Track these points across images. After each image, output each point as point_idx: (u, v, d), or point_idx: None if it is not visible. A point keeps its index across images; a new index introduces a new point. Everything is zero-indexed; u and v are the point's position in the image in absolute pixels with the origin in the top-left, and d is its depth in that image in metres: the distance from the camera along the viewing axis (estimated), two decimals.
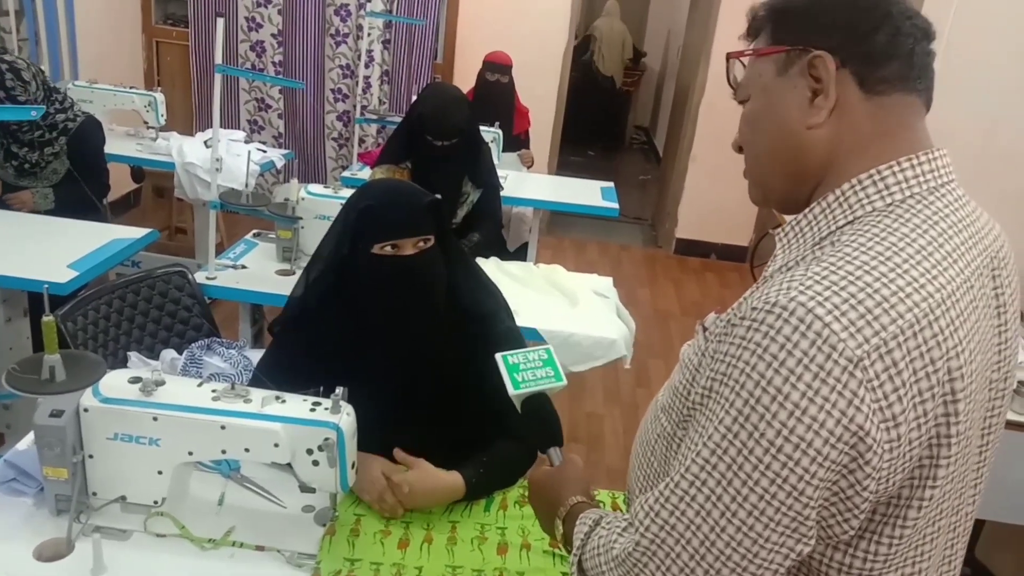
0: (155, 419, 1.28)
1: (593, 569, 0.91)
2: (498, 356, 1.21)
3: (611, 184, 3.97)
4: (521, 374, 1.19)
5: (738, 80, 0.94)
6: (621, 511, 1.49)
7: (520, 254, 3.69)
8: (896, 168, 0.82)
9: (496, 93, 3.93)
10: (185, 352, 2.06)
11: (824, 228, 0.84)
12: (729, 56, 0.94)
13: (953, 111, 3.30)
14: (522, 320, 2.24)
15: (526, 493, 1.52)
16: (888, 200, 0.82)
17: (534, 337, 2.22)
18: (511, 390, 1.18)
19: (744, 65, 0.93)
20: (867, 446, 0.72)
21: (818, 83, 0.84)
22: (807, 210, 0.87)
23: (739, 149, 0.95)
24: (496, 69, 3.96)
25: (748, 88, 0.92)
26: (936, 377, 0.75)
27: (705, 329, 0.94)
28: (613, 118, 8.85)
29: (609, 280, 2.66)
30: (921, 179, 0.82)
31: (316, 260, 1.63)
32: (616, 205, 3.67)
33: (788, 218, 0.91)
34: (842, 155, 0.85)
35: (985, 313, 0.82)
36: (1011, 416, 2.16)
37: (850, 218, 0.82)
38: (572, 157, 7.22)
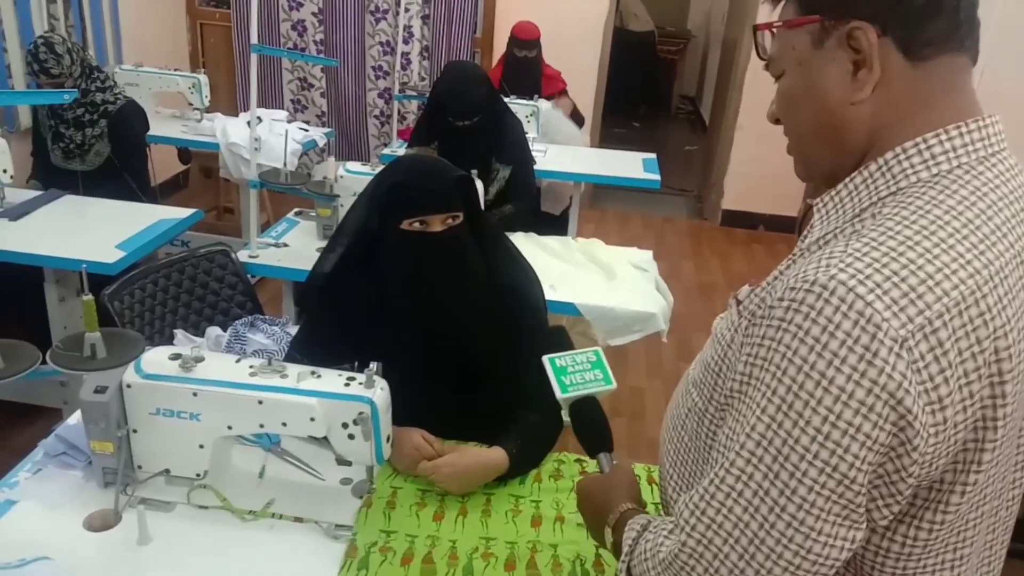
0: (195, 394, 1.31)
1: (642, 575, 0.88)
2: (545, 359, 1.19)
3: (653, 155, 3.92)
4: (569, 377, 1.16)
5: (768, 52, 0.89)
6: (657, 484, 1.49)
7: (562, 220, 3.67)
8: (944, 136, 0.78)
9: (526, 68, 3.90)
10: (229, 329, 2.10)
11: (865, 199, 0.80)
12: (757, 28, 0.89)
13: (1013, 70, 3.17)
14: (560, 294, 2.25)
15: (560, 466, 1.54)
16: (934, 170, 0.78)
17: (572, 312, 2.22)
18: (558, 394, 1.15)
19: (774, 35, 0.88)
20: (914, 430, 0.70)
21: (859, 55, 0.79)
22: (848, 179, 0.83)
23: (776, 121, 0.92)
24: (524, 46, 3.94)
25: (782, 62, 0.87)
26: (983, 357, 0.72)
27: (739, 303, 0.92)
28: (656, 83, 8.68)
29: (649, 253, 2.63)
30: (970, 147, 0.78)
31: (341, 234, 1.64)
32: (658, 177, 3.62)
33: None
34: (888, 126, 0.80)
35: None
36: None
37: (893, 189, 0.78)
38: (616, 129, 7.14)
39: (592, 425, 1.16)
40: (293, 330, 2.19)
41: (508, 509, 1.42)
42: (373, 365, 1.33)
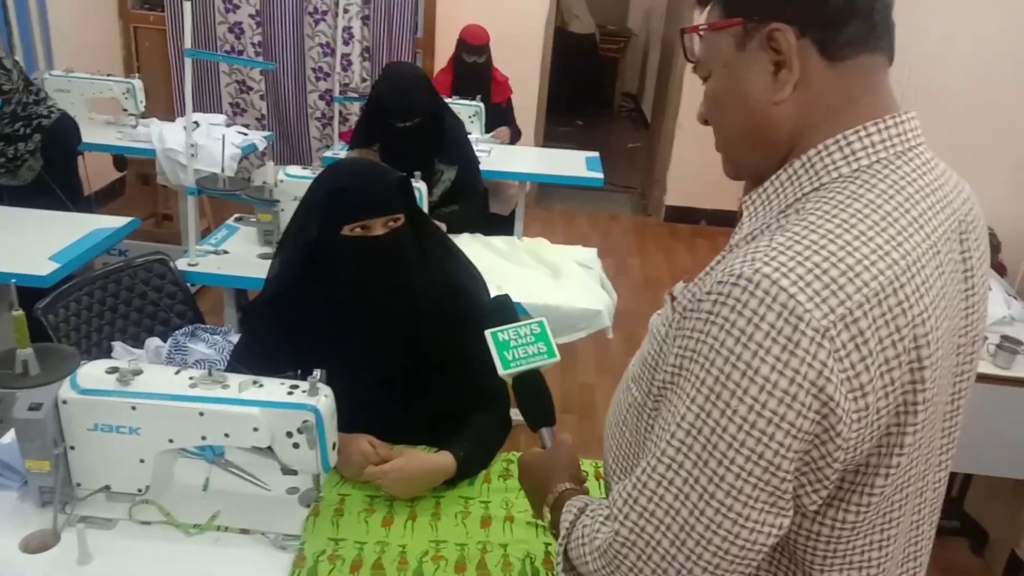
0: (134, 408, 1.28)
1: (578, 559, 0.90)
2: (487, 333, 1.17)
3: (596, 154, 3.95)
4: (511, 351, 1.15)
5: (696, 55, 0.91)
6: (604, 479, 1.51)
7: (511, 220, 3.69)
8: (863, 133, 0.81)
9: (475, 73, 3.89)
10: (169, 340, 2.06)
11: (790, 195, 0.83)
12: (683, 31, 0.91)
13: (946, 68, 3.28)
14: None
15: (509, 466, 1.55)
16: (854, 166, 0.80)
17: (518, 311, 2.22)
18: (500, 369, 1.14)
19: (701, 38, 0.90)
20: (837, 417, 0.72)
21: (779, 56, 0.81)
22: (774, 177, 0.85)
23: (704, 121, 0.94)
24: (474, 51, 3.91)
25: (708, 64, 0.89)
26: (902, 345, 0.74)
27: (673, 298, 0.94)
28: (598, 82, 8.76)
29: (593, 251, 2.66)
30: (888, 143, 0.81)
31: (284, 242, 1.63)
32: (601, 175, 3.66)
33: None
34: (810, 124, 0.83)
35: (952, 278, 0.82)
36: (993, 371, 2.17)
37: (816, 185, 0.81)
38: (560, 127, 7.17)
39: (535, 399, 1.16)
40: (235, 339, 2.15)
41: (458, 511, 1.42)
42: (316, 372, 1.32)
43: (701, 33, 0.90)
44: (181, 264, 2.30)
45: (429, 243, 1.63)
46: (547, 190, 5.61)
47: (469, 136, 3.10)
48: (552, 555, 1.32)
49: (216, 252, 2.45)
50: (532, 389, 1.16)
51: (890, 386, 0.75)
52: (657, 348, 0.91)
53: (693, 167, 5.42)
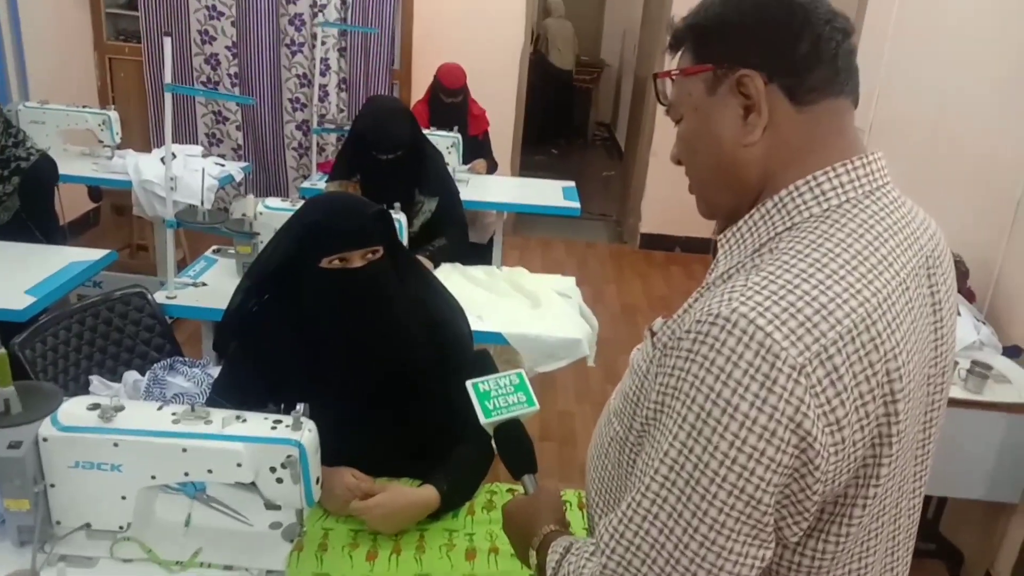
0: (116, 445, 1.28)
1: None
2: (468, 384, 1.21)
3: (572, 184, 4.00)
4: (492, 401, 1.19)
5: (668, 99, 0.95)
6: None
7: (489, 249, 3.71)
8: (832, 174, 0.84)
9: (454, 113, 3.92)
10: (148, 373, 2.05)
11: (763, 234, 0.85)
12: (656, 76, 0.95)
13: (902, 101, 3.38)
14: (487, 324, 2.27)
15: (492, 497, 1.55)
16: (825, 206, 0.83)
17: (499, 341, 2.24)
18: (482, 419, 1.18)
19: (673, 82, 0.93)
20: (815, 451, 0.74)
21: (749, 100, 0.85)
22: (747, 216, 0.88)
23: (678, 162, 0.97)
24: (451, 94, 3.94)
25: (680, 107, 0.92)
26: (876, 380, 0.77)
27: (653, 334, 0.96)
28: (572, 112, 8.89)
29: (572, 280, 2.69)
30: (856, 183, 0.84)
31: (255, 273, 1.63)
32: (577, 204, 3.70)
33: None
34: (780, 166, 0.86)
35: (921, 312, 0.84)
36: (964, 395, 2.22)
37: (788, 224, 0.84)
38: (536, 156, 7.24)
39: (516, 447, 1.18)
40: (214, 371, 2.14)
41: (442, 544, 1.42)
42: (300, 406, 1.32)
43: (673, 78, 0.93)
44: (159, 297, 2.29)
45: (409, 275, 1.65)
46: (524, 219, 5.65)
47: (448, 167, 3.13)
48: None
49: (195, 284, 2.45)
50: (513, 438, 1.19)
51: (865, 419, 0.77)
52: (638, 384, 0.93)
53: (667, 195, 5.50)
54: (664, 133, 5.38)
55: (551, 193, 3.88)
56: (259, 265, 1.63)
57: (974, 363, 2.27)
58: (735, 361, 0.74)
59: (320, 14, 4.83)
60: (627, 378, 0.99)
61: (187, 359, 2.15)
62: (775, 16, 0.85)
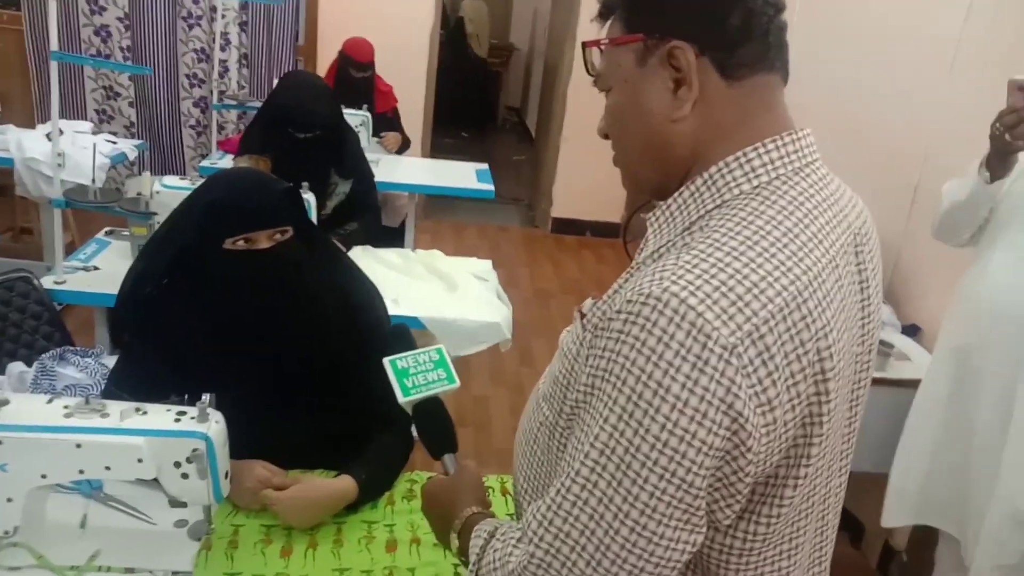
0: (0, 442, 1.17)
1: None
2: (385, 361, 1.15)
3: (485, 166, 3.96)
4: (411, 379, 1.13)
5: (597, 68, 0.91)
6: (511, 495, 1.49)
7: (400, 232, 3.63)
8: (762, 150, 0.82)
9: (361, 87, 3.82)
10: (35, 364, 1.91)
11: (694, 212, 0.83)
12: (585, 44, 0.91)
13: (809, 86, 3.47)
14: (403, 308, 2.21)
15: (412, 487, 1.51)
16: (755, 182, 0.82)
17: (415, 325, 2.19)
18: (400, 397, 1.12)
19: (602, 52, 0.90)
20: (747, 432, 0.73)
21: (679, 73, 0.82)
22: (676, 194, 0.86)
23: (605, 136, 0.94)
24: (360, 68, 3.83)
25: (609, 78, 0.89)
26: (807, 359, 0.75)
27: (583, 316, 0.93)
28: (485, 98, 8.85)
29: (488, 263, 2.65)
30: (786, 159, 0.83)
31: (151, 256, 1.52)
32: (491, 187, 3.66)
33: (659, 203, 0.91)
34: (709, 141, 0.84)
35: (850, 290, 0.84)
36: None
37: (719, 202, 0.82)
38: (446, 139, 7.17)
39: (436, 426, 1.14)
40: (109, 361, 2.02)
41: (361, 536, 1.37)
42: (205, 397, 1.24)
43: (602, 47, 0.90)
44: (46, 282, 2.13)
45: (322, 258, 1.57)
46: (436, 202, 5.58)
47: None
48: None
49: (85, 268, 2.29)
50: (432, 416, 1.14)
51: (796, 399, 0.76)
52: (568, 367, 0.90)
53: (578, 180, 5.54)
54: (575, 118, 5.41)
55: (464, 175, 3.83)
56: (154, 245, 1.52)
57: (883, 343, 2.36)
58: (666, 342, 0.72)
59: None
60: (557, 361, 0.96)
61: (79, 348, 2.01)
62: None
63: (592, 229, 5.71)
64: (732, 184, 0.82)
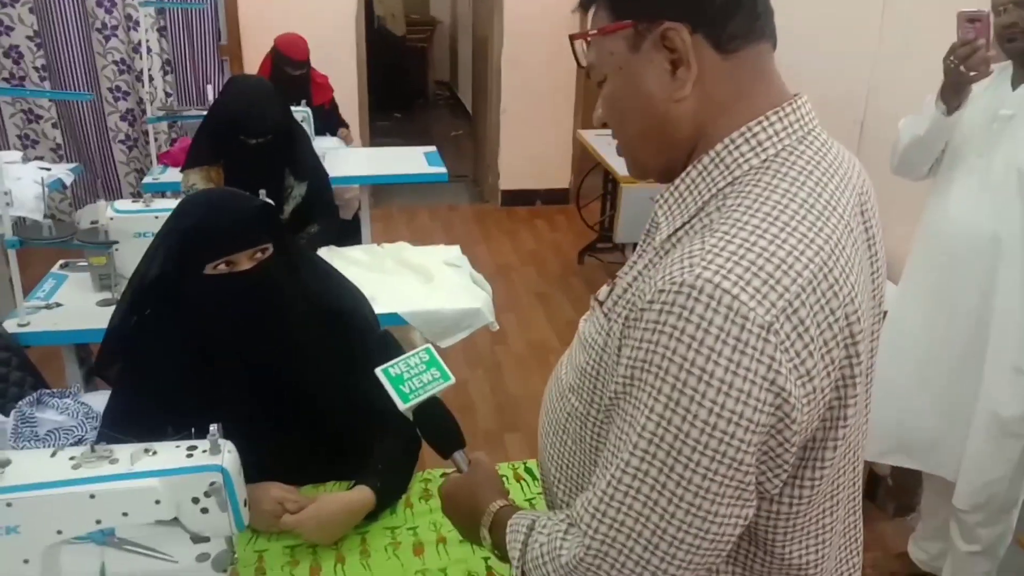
0: (9, 505, 1.12)
1: None
2: (378, 371, 1.14)
3: (433, 148, 3.92)
4: (407, 384, 1.13)
5: (587, 60, 0.90)
6: (525, 480, 1.50)
7: (355, 226, 3.59)
8: (765, 123, 0.83)
9: (297, 84, 3.74)
10: (13, 412, 1.84)
11: (705, 191, 0.84)
12: (572, 37, 0.91)
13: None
14: (380, 307, 2.17)
15: (427, 486, 1.51)
16: (763, 156, 0.82)
17: (397, 322, 2.17)
18: (400, 405, 1.12)
19: (589, 44, 0.89)
20: (791, 405, 0.74)
21: (675, 54, 0.82)
22: (684, 174, 0.86)
23: (603, 125, 0.94)
24: (296, 66, 3.76)
25: (602, 69, 0.88)
26: (838, 326, 0.77)
27: (600, 303, 0.94)
28: (408, 72, 8.71)
29: (457, 248, 2.64)
30: (789, 129, 0.84)
31: (135, 290, 1.49)
32: (444, 169, 3.64)
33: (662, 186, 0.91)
34: (711, 119, 0.84)
35: (861, 249, 0.86)
36: None
37: (729, 179, 0.82)
38: (380, 122, 7.06)
39: (440, 425, 1.15)
40: (88, 400, 1.96)
41: (387, 544, 1.36)
42: (213, 428, 1.21)
43: (589, 39, 0.89)
44: (10, 326, 2.05)
45: (303, 269, 1.55)
46: (381, 188, 5.50)
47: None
48: (495, 570, 1.30)
49: (48, 306, 2.21)
50: (434, 417, 1.15)
51: (831, 365, 0.78)
52: (596, 358, 0.90)
53: (522, 151, 5.52)
54: (512, 90, 5.39)
55: (413, 160, 3.79)
56: (137, 277, 1.48)
57: None
58: (705, 328, 0.73)
59: None
60: (579, 352, 0.97)
61: (55, 390, 1.95)
62: None
63: (542, 197, 5.71)
64: (740, 160, 0.83)
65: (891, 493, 2.67)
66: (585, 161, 4.96)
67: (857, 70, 2.83)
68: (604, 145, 4.09)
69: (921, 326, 2.02)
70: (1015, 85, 1.84)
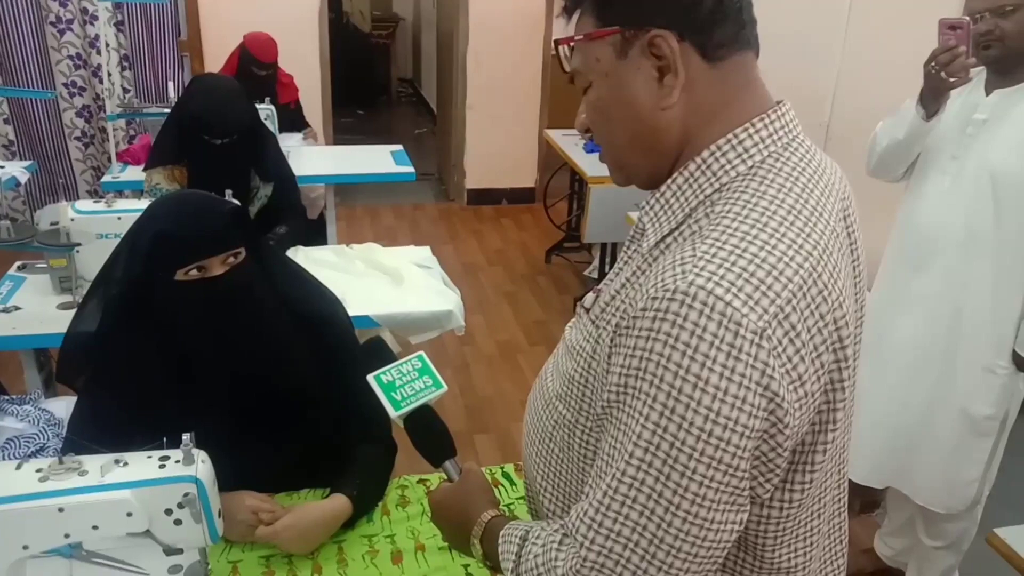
0: None
1: None
2: (370, 378, 1.12)
3: (400, 147, 3.89)
4: (399, 391, 1.11)
5: (572, 66, 0.90)
6: (503, 485, 1.49)
7: (321, 225, 3.55)
8: (751, 130, 0.83)
9: (264, 83, 3.67)
10: None
11: (692, 198, 0.84)
12: (558, 43, 0.90)
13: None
14: (352, 308, 2.14)
15: (404, 492, 1.49)
16: (749, 163, 0.83)
17: (368, 324, 2.14)
18: (392, 412, 1.10)
19: (573, 49, 0.89)
20: (784, 410, 0.75)
21: (662, 61, 0.82)
22: (670, 181, 0.86)
23: (586, 131, 0.93)
24: (264, 67, 3.70)
25: (588, 74, 0.88)
26: (827, 331, 0.78)
27: (587, 310, 0.93)
28: (375, 73, 8.66)
29: (427, 250, 2.62)
30: (775, 136, 0.84)
31: (101, 293, 1.45)
32: (411, 168, 3.61)
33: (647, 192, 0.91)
34: (697, 125, 0.84)
35: (845, 254, 0.86)
36: None
37: (716, 186, 0.83)
38: (343, 119, 6.98)
39: (431, 434, 1.12)
40: (48, 406, 1.91)
41: (364, 552, 1.34)
42: (186, 437, 1.18)
43: (572, 44, 0.89)
44: None
45: (277, 273, 1.51)
46: (345, 188, 5.44)
47: None
48: None
49: (6, 310, 2.14)
50: (426, 425, 1.12)
51: (821, 370, 0.78)
52: (584, 365, 0.90)
53: (488, 149, 5.51)
54: (478, 88, 5.37)
55: (379, 159, 3.75)
56: (103, 281, 1.44)
57: None
58: (699, 335, 0.73)
59: None
60: (566, 359, 0.96)
61: (14, 396, 1.89)
62: None
63: (508, 196, 5.71)
64: (727, 167, 0.83)
65: (856, 490, 2.72)
66: (551, 160, 4.97)
67: (822, 73, 2.87)
68: (571, 145, 4.09)
69: (897, 327, 2.05)
70: (988, 90, 1.88)
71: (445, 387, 1.16)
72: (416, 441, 1.13)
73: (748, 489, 0.78)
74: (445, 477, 1.12)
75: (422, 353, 1.19)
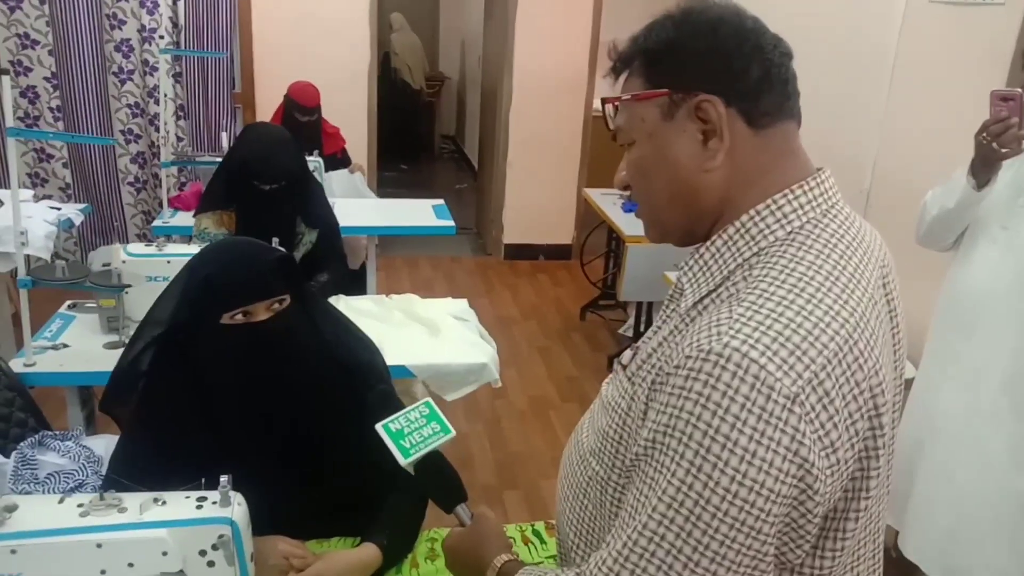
0: (13, 552, 1.11)
1: None
2: (378, 427, 1.15)
3: (441, 201, 3.96)
4: (407, 439, 1.13)
5: (615, 123, 0.93)
6: (533, 544, 1.48)
7: (362, 275, 3.61)
8: (791, 196, 0.85)
9: (308, 131, 3.79)
10: (14, 454, 1.82)
11: (731, 261, 0.85)
12: (605, 101, 0.93)
13: None
14: (388, 358, 2.17)
15: (433, 545, 1.49)
16: (788, 228, 0.84)
17: (403, 374, 2.16)
18: (401, 460, 1.12)
19: (618, 108, 0.92)
20: (814, 476, 0.75)
21: (708, 125, 0.84)
22: (709, 243, 0.88)
23: (625, 187, 0.95)
24: (306, 112, 3.82)
25: (631, 133, 0.90)
26: (862, 398, 0.78)
27: (624, 367, 0.94)
28: (420, 129, 8.86)
29: (464, 302, 2.65)
30: (814, 203, 0.86)
31: (148, 334, 1.49)
32: (452, 223, 3.67)
33: (689, 250, 0.93)
34: (738, 189, 0.86)
35: (884, 321, 0.87)
36: None
37: (755, 250, 0.84)
38: (386, 173, 7.13)
39: (442, 479, 1.14)
40: (89, 443, 1.94)
41: None
42: (224, 479, 1.20)
43: (618, 104, 0.92)
44: (16, 365, 2.04)
45: (320, 320, 1.55)
46: (387, 239, 5.54)
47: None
48: None
49: (55, 347, 2.20)
50: (436, 470, 1.15)
51: (855, 437, 0.78)
52: (619, 422, 0.91)
53: (526, 205, 5.58)
54: (519, 145, 5.46)
55: (421, 212, 3.82)
56: (151, 322, 1.48)
57: None
58: (731, 396, 0.73)
59: (150, 40, 4.53)
60: (601, 415, 0.97)
61: (57, 432, 1.92)
62: (728, 41, 0.86)
63: (545, 252, 5.75)
64: (766, 231, 0.85)
65: (893, 563, 2.64)
66: (589, 218, 5.01)
67: (863, 139, 2.88)
68: (609, 204, 4.13)
69: (949, 396, 2.01)
70: None
71: (453, 432, 1.18)
72: (426, 487, 1.16)
73: (772, 554, 0.77)
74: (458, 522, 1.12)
75: (429, 399, 1.22)
